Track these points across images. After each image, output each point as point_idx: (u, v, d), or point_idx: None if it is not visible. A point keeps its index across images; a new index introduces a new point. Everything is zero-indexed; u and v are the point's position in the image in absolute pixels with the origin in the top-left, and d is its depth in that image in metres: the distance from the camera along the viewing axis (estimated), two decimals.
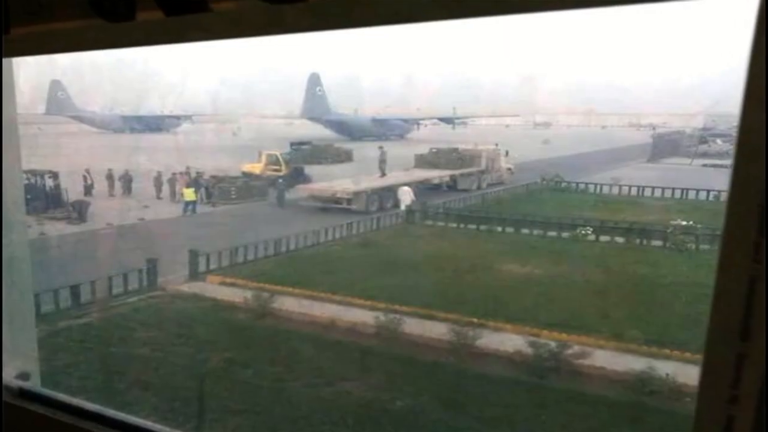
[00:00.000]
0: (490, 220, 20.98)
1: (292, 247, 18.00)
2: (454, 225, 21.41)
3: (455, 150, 32.67)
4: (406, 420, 9.64)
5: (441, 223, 21.96)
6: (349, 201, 23.98)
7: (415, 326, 11.98)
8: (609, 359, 10.75)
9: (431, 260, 17.02)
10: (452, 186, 29.90)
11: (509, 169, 32.54)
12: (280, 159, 28.91)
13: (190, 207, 24.07)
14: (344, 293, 13.78)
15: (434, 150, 32.92)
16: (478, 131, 45.85)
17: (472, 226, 20.84)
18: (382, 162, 28.74)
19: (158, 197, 26.01)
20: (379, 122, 47.23)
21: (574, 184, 29.29)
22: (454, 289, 14.54)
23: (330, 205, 24.10)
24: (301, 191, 25.96)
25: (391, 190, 25.46)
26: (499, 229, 20.42)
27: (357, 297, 13.53)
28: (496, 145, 33.41)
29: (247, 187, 26.98)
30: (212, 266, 15.95)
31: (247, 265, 16.47)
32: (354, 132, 44.95)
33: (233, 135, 42.40)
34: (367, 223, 21.33)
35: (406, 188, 25.21)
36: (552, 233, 19.47)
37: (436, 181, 29.77)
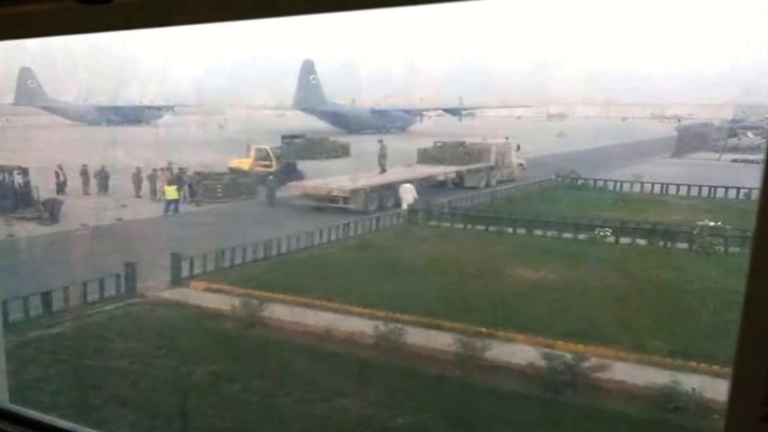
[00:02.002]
0: (499, 221, 20.99)
1: (283, 249, 18.01)
2: (461, 226, 21.41)
3: (462, 144, 32.71)
4: None
5: (446, 224, 21.97)
6: (345, 200, 24.01)
7: (418, 336, 11.98)
8: (630, 372, 10.75)
9: (435, 264, 17.02)
10: (458, 183, 29.93)
11: (521, 164, 32.57)
12: (271, 154, 28.94)
13: (172, 206, 24.08)
14: (340, 300, 13.79)
15: (439, 144, 32.96)
16: (486, 123, 45.91)
17: (480, 227, 20.84)
18: (382, 157, 28.79)
19: (137, 195, 26.03)
20: (378, 113, 47.24)
21: (591, 181, 29.31)
22: (461, 295, 14.55)
23: (325, 204, 24.12)
24: (293, 189, 25.99)
25: (392, 188, 25.49)
26: (510, 230, 20.39)
27: (354, 304, 13.54)
28: (507, 138, 33.44)
29: (235, 184, 27.01)
30: (196, 271, 15.96)
31: (235, 269, 16.47)
32: (351, 124, 44.98)
33: (219, 127, 42.45)
34: (366, 223, 21.34)
35: (408, 186, 25.24)
36: (568, 235, 19.44)
37: (440, 178, 29.81)
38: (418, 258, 17.87)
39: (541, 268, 16.17)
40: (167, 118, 45.86)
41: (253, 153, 29.31)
